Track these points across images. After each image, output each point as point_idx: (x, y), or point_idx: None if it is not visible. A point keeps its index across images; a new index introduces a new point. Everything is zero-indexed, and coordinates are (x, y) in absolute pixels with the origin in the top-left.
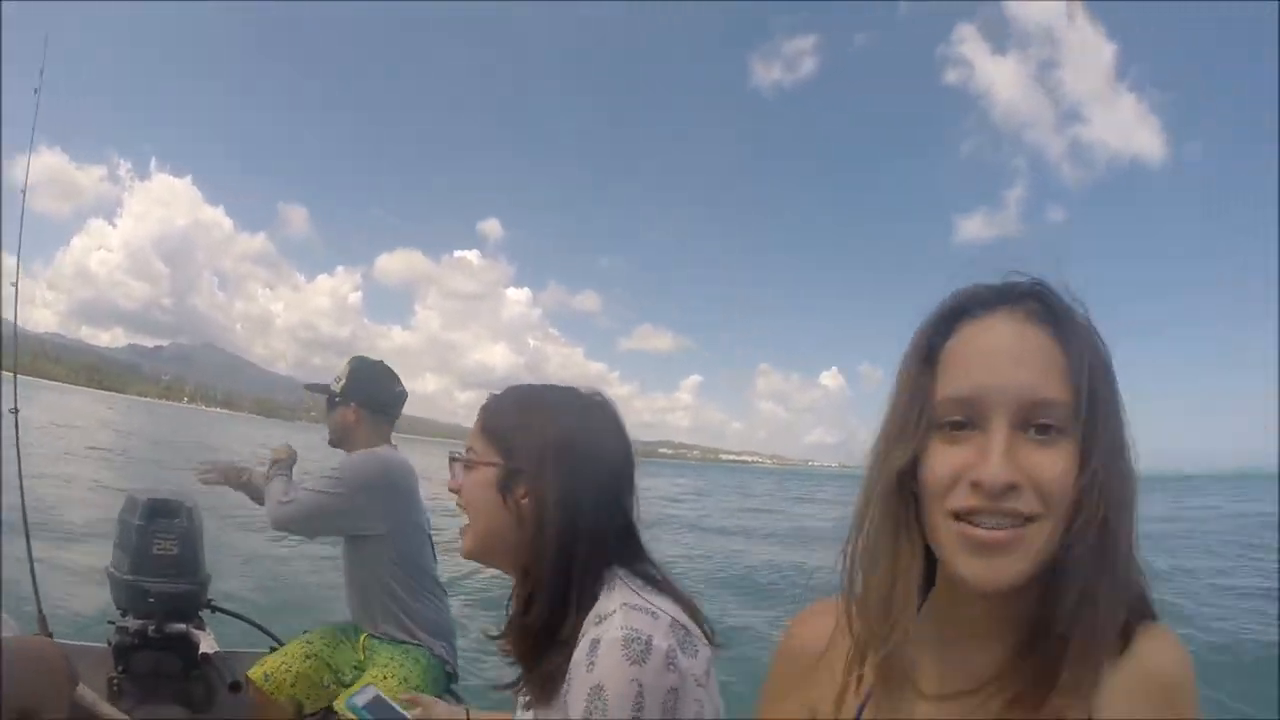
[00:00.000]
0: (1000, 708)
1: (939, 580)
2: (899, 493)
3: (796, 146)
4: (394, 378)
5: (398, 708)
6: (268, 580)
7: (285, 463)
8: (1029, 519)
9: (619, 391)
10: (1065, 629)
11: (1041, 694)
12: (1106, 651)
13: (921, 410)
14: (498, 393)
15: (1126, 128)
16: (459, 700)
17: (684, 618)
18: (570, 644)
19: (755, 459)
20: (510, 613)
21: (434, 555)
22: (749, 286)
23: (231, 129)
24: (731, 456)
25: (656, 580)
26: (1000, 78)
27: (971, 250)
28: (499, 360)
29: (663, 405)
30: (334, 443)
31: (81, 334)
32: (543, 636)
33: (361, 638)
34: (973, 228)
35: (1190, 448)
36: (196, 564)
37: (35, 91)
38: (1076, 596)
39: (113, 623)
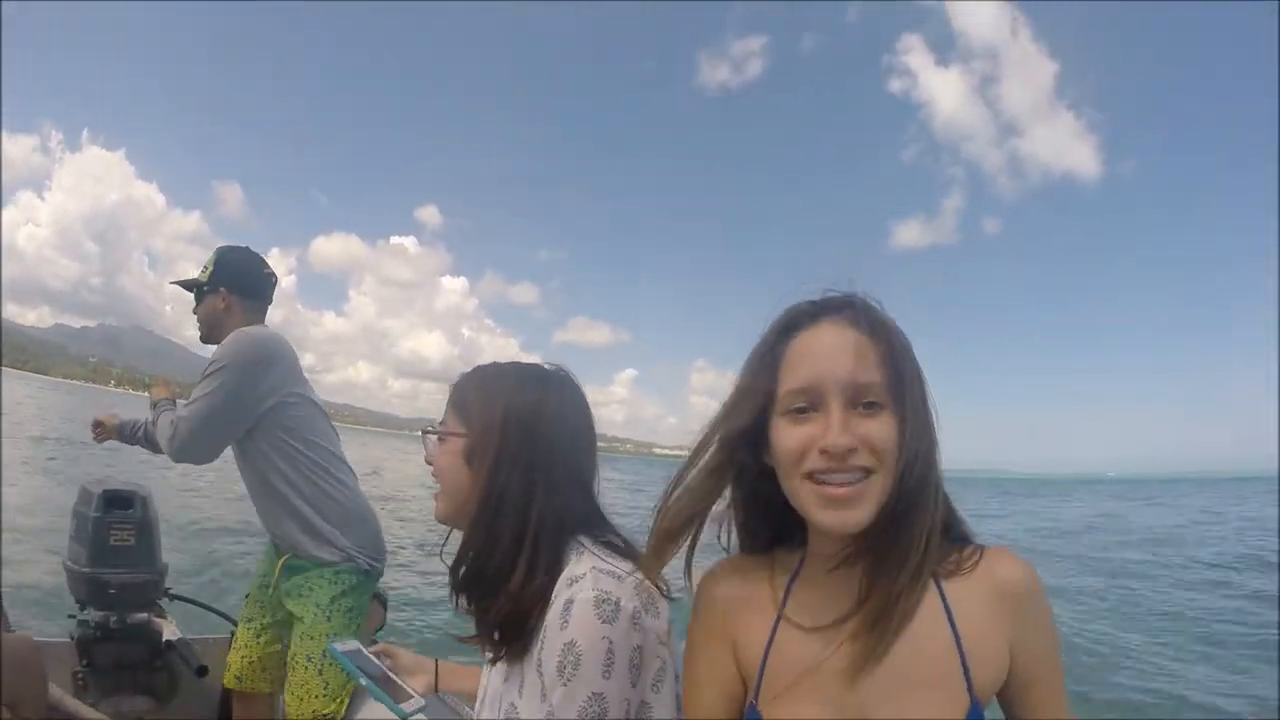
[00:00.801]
0: (867, 629)
1: (809, 536)
2: (724, 452)
3: (740, 146)
4: (262, 261)
5: (375, 660)
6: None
7: (168, 399)
8: (868, 473)
9: None
10: (902, 553)
11: (892, 612)
12: (939, 567)
13: (759, 401)
14: (466, 370)
15: (1062, 144)
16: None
17: (647, 580)
18: (520, 599)
19: (688, 453)
20: (458, 555)
21: (334, 434)
22: (687, 282)
23: (167, 102)
24: (665, 451)
25: (620, 547)
26: (943, 89)
27: (908, 255)
28: (433, 350)
29: (597, 398)
30: (205, 337)
31: (7, 312)
32: (485, 586)
33: (280, 561)
34: (909, 234)
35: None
36: (154, 553)
37: None
38: (909, 526)
39: (73, 616)
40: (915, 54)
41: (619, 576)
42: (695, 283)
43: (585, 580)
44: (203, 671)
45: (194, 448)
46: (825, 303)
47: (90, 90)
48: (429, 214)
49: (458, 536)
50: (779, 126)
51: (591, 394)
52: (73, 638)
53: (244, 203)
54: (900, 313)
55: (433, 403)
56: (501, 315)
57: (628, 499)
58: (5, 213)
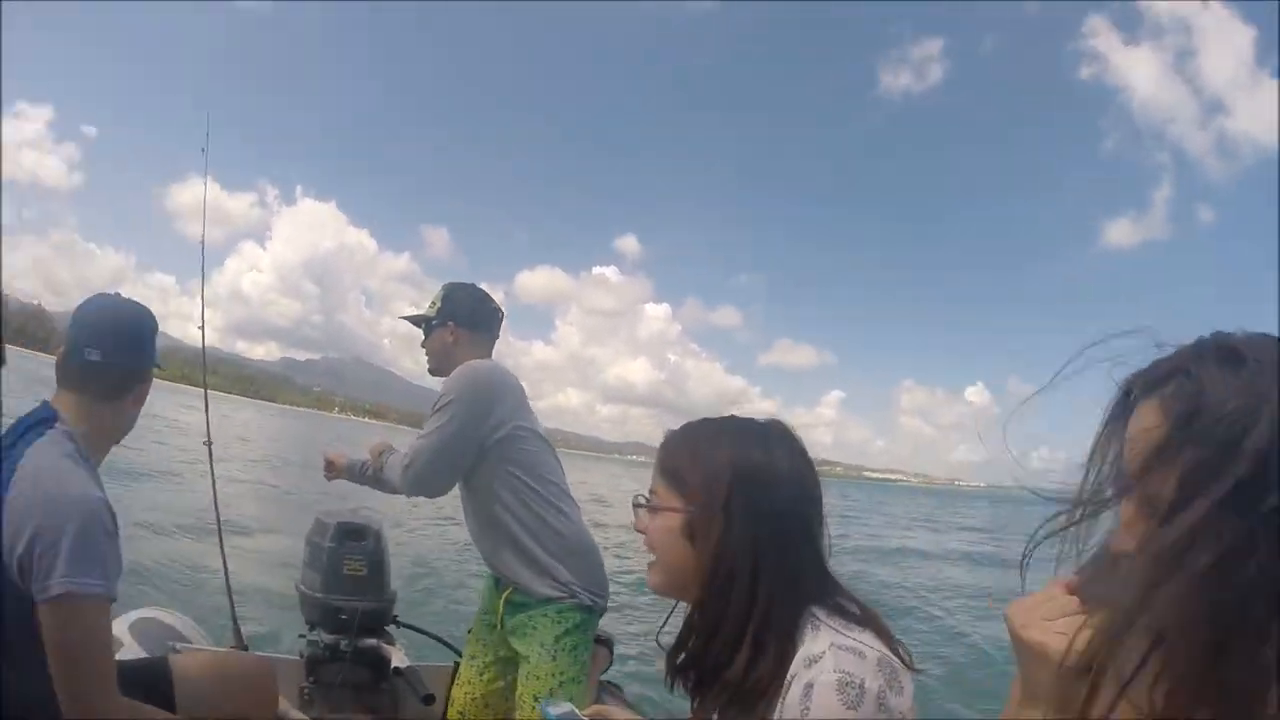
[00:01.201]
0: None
1: None
2: None
3: (929, 154)
4: (488, 296)
5: None
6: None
7: (388, 450)
8: None
9: (760, 407)
10: None
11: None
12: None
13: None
14: (672, 430)
15: (1271, 116)
16: (620, 694)
17: (888, 652)
18: (746, 683)
19: (900, 477)
20: (679, 639)
21: (559, 467)
22: (890, 301)
23: (373, 157)
24: (876, 474)
25: (856, 615)
26: (1136, 69)
27: (1119, 256)
28: (639, 376)
29: (805, 421)
30: (434, 370)
31: (237, 348)
32: (708, 669)
33: (503, 595)
34: (1119, 233)
35: None
36: (384, 583)
37: (202, 150)
38: None
39: (303, 636)
40: (1101, 36)
41: (860, 654)
42: (898, 303)
43: (825, 660)
44: (429, 700)
45: (428, 480)
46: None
47: (300, 150)
48: (628, 244)
49: (676, 613)
50: (968, 129)
51: (799, 417)
52: (302, 656)
53: (450, 244)
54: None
55: (640, 428)
56: (705, 339)
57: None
58: (230, 261)
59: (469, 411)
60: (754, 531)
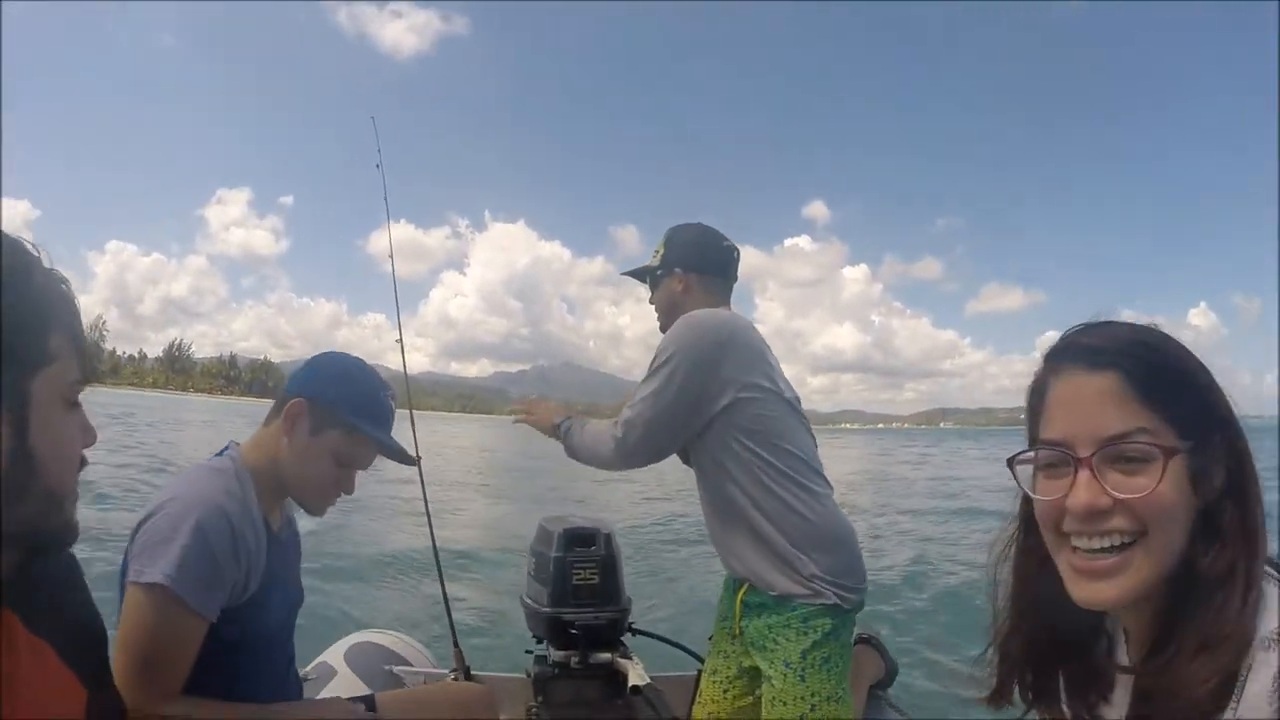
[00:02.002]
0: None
1: None
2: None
3: (1111, 68)
4: (718, 234)
5: None
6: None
7: (575, 417)
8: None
9: (973, 359)
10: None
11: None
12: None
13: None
14: (1091, 324)
15: None
16: (894, 705)
17: None
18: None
19: None
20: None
21: (809, 436)
22: (1096, 230)
23: (549, 171)
24: None
25: None
26: None
27: None
28: (845, 341)
29: (1020, 368)
30: (665, 326)
31: (451, 369)
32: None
33: (739, 595)
34: None
35: None
36: (617, 590)
37: (377, 166)
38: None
39: (530, 652)
40: None
41: None
42: (1103, 231)
43: None
44: None
45: (642, 452)
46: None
47: (481, 178)
48: (816, 210)
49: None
50: (1151, 42)
51: (1013, 364)
52: (529, 674)
53: (640, 240)
54: None
55: (853, 394)
56: (908, 295)
57: None
58: (434, 292)
59: (691, 369)
60: (1236, 463)
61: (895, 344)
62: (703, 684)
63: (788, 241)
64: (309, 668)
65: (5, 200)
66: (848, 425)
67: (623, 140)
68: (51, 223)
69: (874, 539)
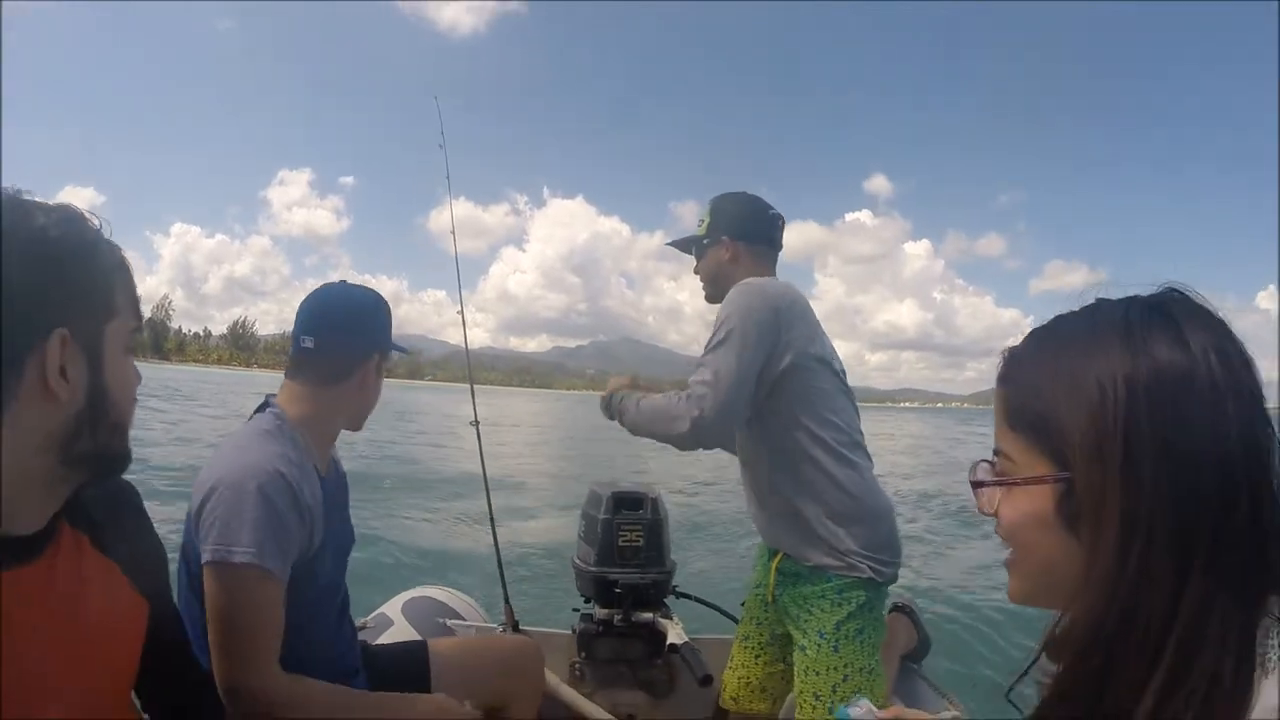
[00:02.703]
0: None
1: None
2: None
3: (1181, 33)
4: (764, 202)
5: None
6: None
7: (628, 389)
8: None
9: None
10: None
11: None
12: None
13: None
14: (1013, 345)
15: None
16: (925, 678)
17: None
18: None
19: None
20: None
21: (854, 410)
22: (1153, 206)
23: (610, 147)
24: None
25: None
26: None
27: None
28: (906, 319)
29: None
30: (711, 296)
31: (510, 344)
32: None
33: (773, 563)
34: None
35: None
36: (662, 553)
37: (440, 147)
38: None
39: (576, 610)
40: None
41: None
42: (1161, 207)
43: None
44: (707, 680)
45: (719, 421)
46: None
47: (539, 155)
48: (878, 184)
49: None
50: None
51: None
52: (574, 631)
53: (698, 214)
54: None
55: (913, 371)
56: (971, 272)
57: None
58: (494, 267)
59: (755, 337)
60: (1175, 494)
61: (957, 322)
62: (734, 649)
63: (849, 216)
64: (368, 618)
65: (71, 187)
66: (906, 403)
67: (682, 115)
68: (116, 207)
69: (918, 513)
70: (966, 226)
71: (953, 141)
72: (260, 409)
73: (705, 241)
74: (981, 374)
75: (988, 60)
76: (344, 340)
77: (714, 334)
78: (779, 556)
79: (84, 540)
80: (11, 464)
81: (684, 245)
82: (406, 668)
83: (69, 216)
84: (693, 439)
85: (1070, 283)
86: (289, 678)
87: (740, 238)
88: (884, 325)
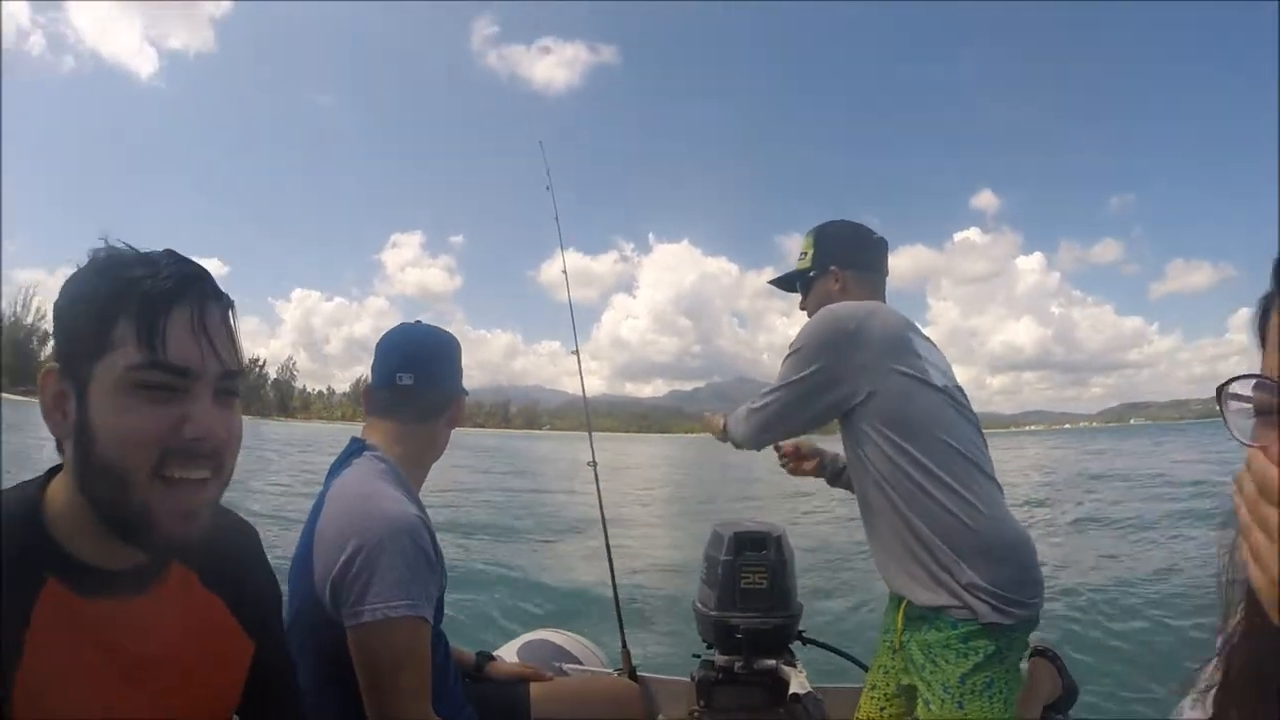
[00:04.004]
0: None
1: None
2: None
3: None
4: (866, 228)
5: None
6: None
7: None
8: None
9: (1161, 346)
10: None
11: None
12: None
13: None
14: None
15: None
16: None
17: None
18: None
19: None
20: None
21: (974, 431)
22: (1270, 193)
23: (709, 188)
24: None
25: None
26: None
27: None
28: (1025, 337)
29: (1213, 352)
30: None
31: (626, 390)
32: None
33: (900, 608)
34: None
35: None
36: (787, 596)
37: (547, 189)
38: None
39: (697, 656)
40: None
41: None
42: None
43: None
44: None
45: (765, 435)
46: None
47: (642, 203)
48: (985, 199)
49: None
50: None
51: (1205, 349)
52: (693, 678)
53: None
54: None
55: (1035, 393)
56: (1088, 282)
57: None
58: (606, 315)
59: (817, 359)
60: None
61: (1077, 336)
62: (861, 698)
63: (957, 236)
64: None
65: (197, 259)
66: (1032, 427)
67: (779, 149)
68: (240, 276)
69: (1058, 546)
70: (1080, 235)
71: (1057, 148)
72: (355, 451)
73: (811, 274)
74: (1108, 390)
75: (1084, 61)
76: (440, 377)
77: (788, 348)
78: (902, 603)
79: (193, 577)
80: (68, 498)
81: (787, 281)
82: (509, 705)
83: (101, 254)
84: (744, 442)
85: (1194, 283)
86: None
87: (848, 266)
88: (1001, 346)
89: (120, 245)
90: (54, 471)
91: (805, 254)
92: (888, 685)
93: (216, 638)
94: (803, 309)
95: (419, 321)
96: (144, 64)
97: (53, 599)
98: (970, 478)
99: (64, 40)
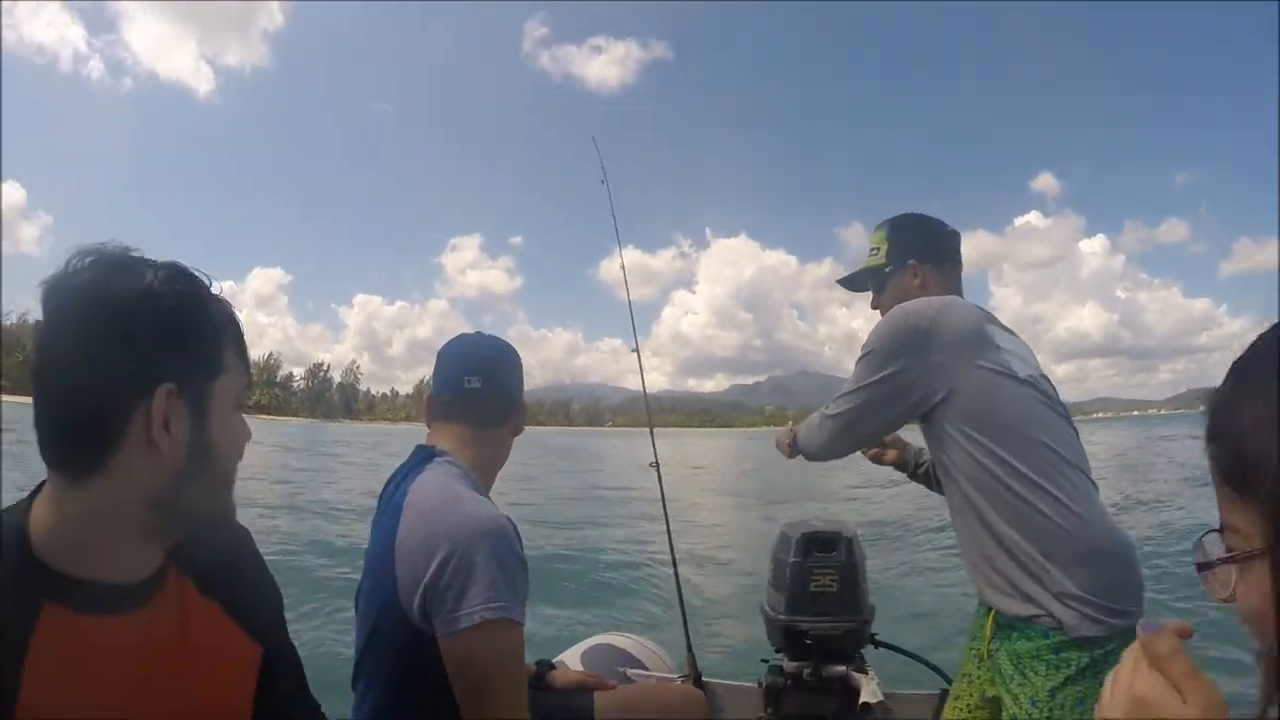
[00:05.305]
0: None
1: None
2: None
3: None
4: (937, 219)
5: None
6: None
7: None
8: None
9: (1231, 328)
10: None
11: None
12: None
13: None
14: (1216, 390)
15: None
16: None
17: None
18: None
19: None
20: None
21: (1067, 427)
22: None
23: (765, 181)
24: None
25: None
26: None
27: None
28: (1090, 323)
29: None
30: None
31: (688, 385)
32: None
33: (989, 616)
34: None
35: None
36: (858, 599)
37: (602, 183)
38: None
39: (766, 661)
40: None
41: None
42: None
43: None
44: None
45: (839, 444)
46: None
47: (699, 197)
48: (1044, 182)
49: None
50: None
51: None
52: (760, 684)
53: (867, 237)
54: None
55: (1102, 380)
56: (1153, 263)
57: None
58: (666, 311)
59: (893, 368)
60: None
61: (1144, 321)
62: (946, 709)
63: (1018, 220)
64: None
65: (260, 268)
66: (1099, 414)
67: (834, 139)
68: (303, 285)
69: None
70: (1144, 214)
71: (1117, 126)
72: (426, 458)
73: (888, 270)
74: (1177, 375)
75: (1143, 32)
76: (507, 381)
77: (861, 350)
78: (991, 611)
79: (190, 586)
80: (112, 513)
81: (859, 280)
82: (574, 717)
83: (179, 274)
84: (818, 453)
85: (1263, 262)
86: None
87: (926, 259)
88: (1066, 333)
89: (184, 267)
90: (32, 498)
91: (877, 249)
92: (971, 695)
93: (220, 645)
94: (875, 308)
95: (479, 332)
96: (201, 81)
97: (50, 621)
98: (1061, 474)
99: (121, 63)
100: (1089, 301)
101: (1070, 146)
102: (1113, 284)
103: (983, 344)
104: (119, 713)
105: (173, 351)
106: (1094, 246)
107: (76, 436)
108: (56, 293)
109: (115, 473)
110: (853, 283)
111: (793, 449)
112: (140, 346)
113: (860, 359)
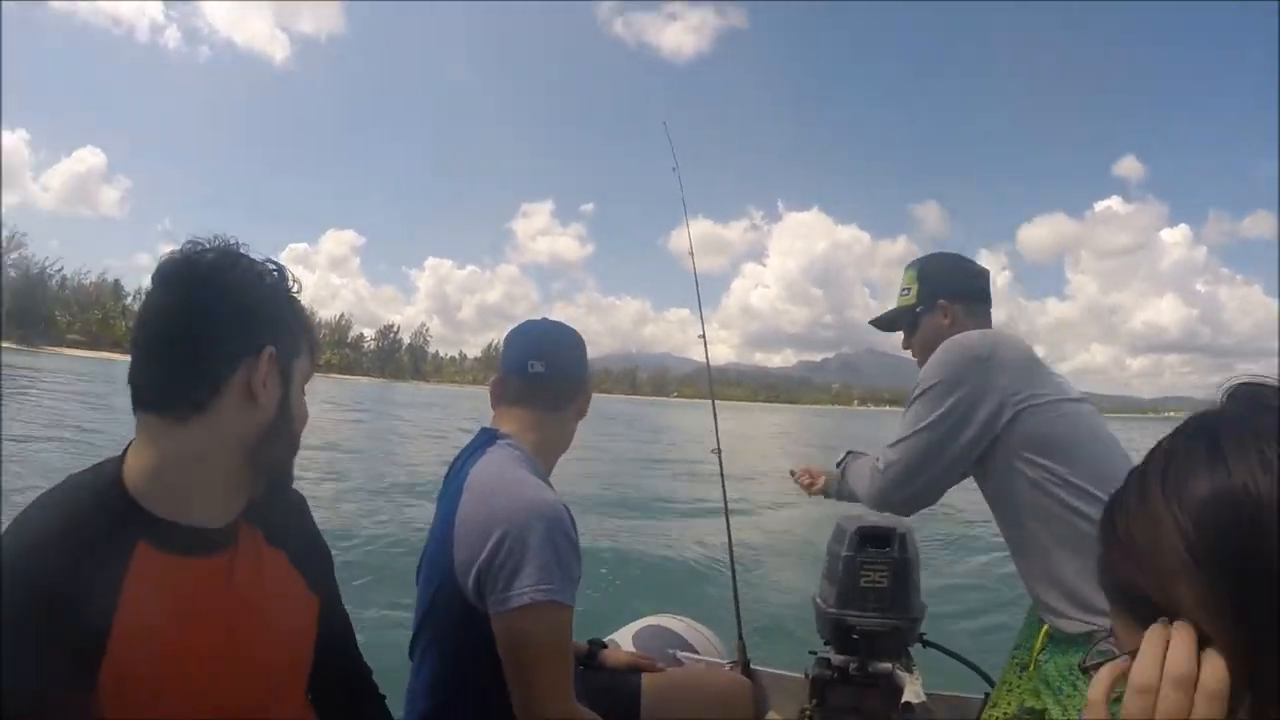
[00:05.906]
0: None
1: None
2: None
3: None
4: (966, 258)
5: None
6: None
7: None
8: None
9: None
10: None
11: None
12: None
13: None
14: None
15: None
16: None
17: None
18: None
19: None
20: None
21: (1115, 446)
22: None
23: (840, 155)
24: None
25: None
26: None
27: None
28: (1168, 317)
29: None
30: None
31: (755, 359)
32: None
33: (1040, 634)
34: None
35: None
36: (909, 597)
37: (673, 170)
38: None
39: (814, 653)
40: None
41: None
42: None
43: None
44: None
45: (901, 493)
46: None
47: (773, 170)
48: (1128, 166)
49: None
50: None
51: None
52: (807, 675)
53: (941, 215)
54: None
55: (1178, 377)
56: (1237, 257)
57: None
58: (736, 283)
59: (958, 398)
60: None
61: (1224, 318)
62: (983, 715)
63: (1098, 205)
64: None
65: (334, 230)
66: (1171, 413)
67: (911, 116)
68: (376, 247)
69: None
70: (1230, 205)
71: (1205, 110)
72: (489, 440)
73: (919, 309)
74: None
75: (1232, 14)
76: (571, 365)
77: (912, 396)
78: (1045, 626)
79: (259, 535)
80: (207, 456)
81: (890, 320)
82: (621, 697)
83: (281, 268)
84: (875, 504)
85: None
86: (587, 713)
87: (957, 299)
88: (1143, 326)
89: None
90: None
91: (908, 290)
92: (1008, 704)
93: (288, 593)
94: (906, 348)
95: (545, 318)
96: (277, 50)
97: (143, 561)
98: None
99: (198, 33)
100: (1167, 294)
101: (1156, 130)
102: (1193, 277)
103: (1040, 372)
104: (206, 651)
105: (276, 326)
106: (1176, 236)
107: (187, 378)
108: (183, 265)
109: (215, 417)
110: (885, 323)
111: (839, 490)
112: (253, 315)
113: (915, 400)
